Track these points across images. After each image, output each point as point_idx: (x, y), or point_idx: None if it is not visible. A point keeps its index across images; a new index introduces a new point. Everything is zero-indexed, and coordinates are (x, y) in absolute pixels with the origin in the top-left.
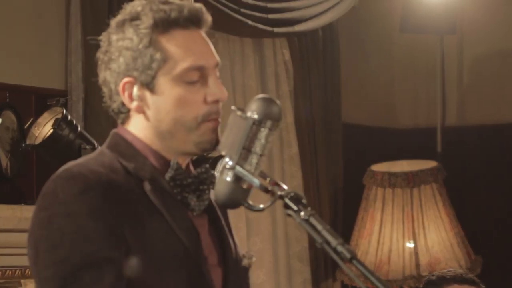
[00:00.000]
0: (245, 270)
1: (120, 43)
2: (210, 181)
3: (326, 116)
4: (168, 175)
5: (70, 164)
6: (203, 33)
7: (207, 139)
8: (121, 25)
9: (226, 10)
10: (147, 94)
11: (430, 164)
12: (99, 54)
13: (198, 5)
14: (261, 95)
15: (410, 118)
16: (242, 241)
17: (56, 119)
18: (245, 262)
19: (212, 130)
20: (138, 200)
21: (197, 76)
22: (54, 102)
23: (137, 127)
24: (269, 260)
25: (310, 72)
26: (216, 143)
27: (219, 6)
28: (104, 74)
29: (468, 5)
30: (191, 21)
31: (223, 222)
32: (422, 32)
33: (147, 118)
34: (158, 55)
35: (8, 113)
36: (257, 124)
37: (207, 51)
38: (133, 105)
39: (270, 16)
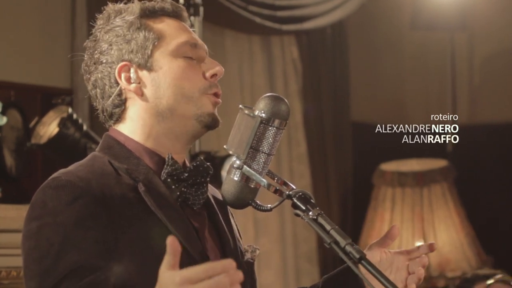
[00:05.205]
0: (249, 264)
1: (110, 34)
2: (206, 173)
3: (335, 114)
4: (165, 171)
5: (60, 172)
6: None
7: (208, 111)
8: (107, 20)
9: (233, 7)
10: (145, 73)
11: (440, 163)
12: (86, 60)
13: (179, 3)
14: (269, 94)
15: (420, 117)
16: (250, 241)
17: (62, 118)
18: (247, 256)
19: (213, 103)
20: (131, 203)
21: (191, 53)
22: (60, 100)
23: (133, 121)
24: (277, 261)
25: (319, 70)
26: (217, 119)
27: (226, 3)
28: (95, 75)
29: (479, 2)
30: (175, 13)
31: (221, 217)
32: (432, 30)
33: (146, 99)
34: (151, 34)
35: (13, 112)
36: (265, 123)
37: (196, 37)
38: (132, 87)
39: (279, 13)
